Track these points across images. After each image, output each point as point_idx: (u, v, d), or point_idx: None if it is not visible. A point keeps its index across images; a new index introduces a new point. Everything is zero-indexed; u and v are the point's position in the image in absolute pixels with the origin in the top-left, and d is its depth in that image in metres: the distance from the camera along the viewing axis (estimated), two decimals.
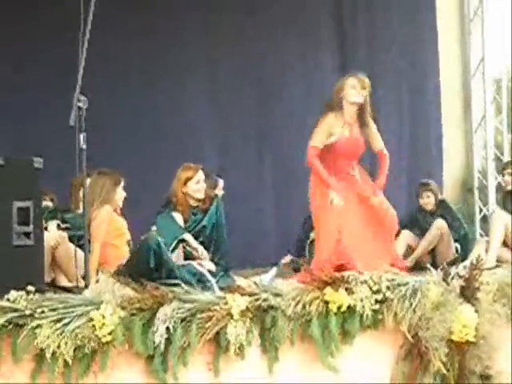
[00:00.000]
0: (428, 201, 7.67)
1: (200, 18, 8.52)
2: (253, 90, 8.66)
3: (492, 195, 9.60)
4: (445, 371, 4.27)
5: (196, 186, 6.03)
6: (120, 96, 8.05)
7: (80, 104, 4.75)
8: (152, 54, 8.25)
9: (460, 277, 4.40)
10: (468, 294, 4.36)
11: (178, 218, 6.00)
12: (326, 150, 5.80)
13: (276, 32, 8.68)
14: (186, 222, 6.06)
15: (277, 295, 4.27)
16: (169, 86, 8.32)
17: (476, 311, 4.31)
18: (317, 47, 8.93)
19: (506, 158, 9.26)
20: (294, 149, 8.17)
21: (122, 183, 5.95)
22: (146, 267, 5.07)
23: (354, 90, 5.79)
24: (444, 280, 4.38)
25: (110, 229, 5.74)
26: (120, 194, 5.94)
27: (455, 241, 7.54)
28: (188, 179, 6.01)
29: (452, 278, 4.39)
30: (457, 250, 7.51)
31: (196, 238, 5.99)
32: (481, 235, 9.56)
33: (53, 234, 6.14)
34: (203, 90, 8.56)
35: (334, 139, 5.78)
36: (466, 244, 7.60)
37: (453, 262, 6.81)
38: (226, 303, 4.15)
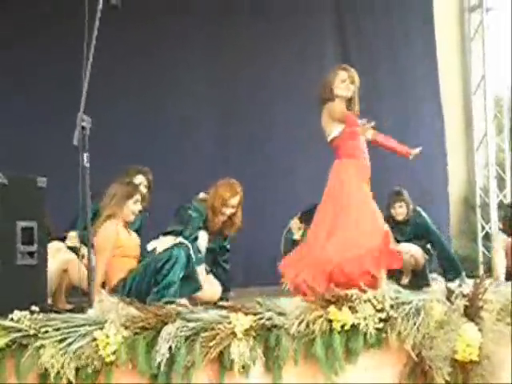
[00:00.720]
0: (400, 211, 7.34)
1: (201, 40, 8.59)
2: (256, 114, 8.67)
3: (494, 213, 9.60)
4: None
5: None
6: (121, 115, 8.09)
7: (84, 124, 4.76)
8: (153, 73, 8.30)
9: (464, 296, 4.40)
10: (471, 312, 4.36)
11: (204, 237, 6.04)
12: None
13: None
14: (210, 241, 6.11)
15: (280, 314, 4.27)
16: (171, 105, 8.38)
17: (480, 330, 4.31)
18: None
19: (507, 176, 9.28)
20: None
21: (137, 197, 5.63)
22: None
23: (343, 83, 5.83)
24: (448, 299, 4.38)
25: (114, 247, 5.40)
26: (131, 208, 5.58)
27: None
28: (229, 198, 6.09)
29: (456, 297, 4.38)
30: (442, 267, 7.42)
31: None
32: (483, 253, 9.59)
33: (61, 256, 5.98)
34: (207, 110, 8.59)
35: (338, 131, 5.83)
36: (446, 258, 7.42)
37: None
38: (229, 322, 4.15)
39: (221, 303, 4.68)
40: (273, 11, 8.82)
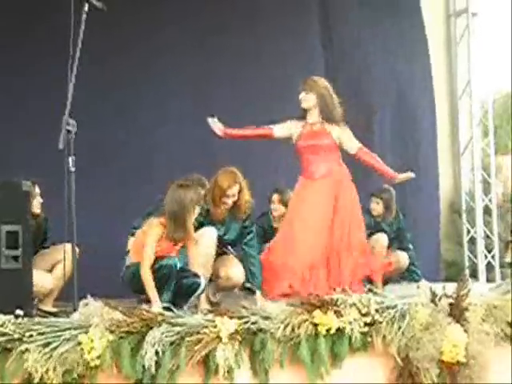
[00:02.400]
0: (374, 207, 7.59)
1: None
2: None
3: (479, 217, 9.64)
4: None
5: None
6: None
7: (69, 127, 4.76)
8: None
9: (447, 297, 4.42)
10: (456, 313, 4.38)
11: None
12: (297, 151, 6.02)
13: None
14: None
15: (266, 318, 4.27)
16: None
17: (465, 331, 4.32)
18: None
19: (493, 181, 9.32)
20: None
21: None
22: None
23: (302, 95, 5.93)
24: (432, 301, 4.39)
25: None
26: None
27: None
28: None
29: (440, 299, 4.40)
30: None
31: None
32: (469, 257, 9.62)
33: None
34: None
35: (295, 137, 5.96)
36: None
37: None
38: (214, 326, 4.15)
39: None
40: (260, 11, 8.83)
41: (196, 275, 5.47)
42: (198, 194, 5.50)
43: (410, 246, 7.73)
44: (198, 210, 5.51)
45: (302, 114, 6.00)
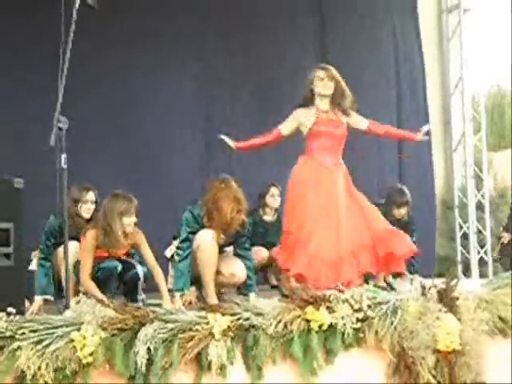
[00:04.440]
0: (402, 212, 7.51)
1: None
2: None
3: (472, 213, 9.66)
4: (435, 382, 4.28)
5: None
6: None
7: (60, 125, 4.75)
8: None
9: (436, 287, 4.44)
10: (447, 302, 4.39)
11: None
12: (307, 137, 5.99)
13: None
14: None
15: (258, 314, 4.27)
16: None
17: (458, 319, 4.34)
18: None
19: (485, 176, 9.34)
20: None
21: None
22: None
23: (322, 81, 5.91)
24: (423, 294, 4.42)
25: None
26: None
27: None
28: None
29: (429, 289, 4.42)
30: None
31: None
32: (461, 253, 9.65)
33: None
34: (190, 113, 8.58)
35: (310, 123, 5.92)
36: None
37: None
38: (207, 323, 4.15)
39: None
40: (254, 13, 8.83)
41: (133, 266, 5.89)
42: (125, 204, 5.75)
43: (414, 239, 7.71)
44: (128, 220, 5.74)
45: (307, 102, 6.01)
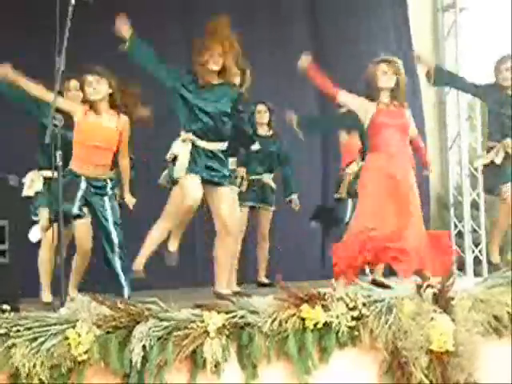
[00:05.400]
0: None
1: None
2: None
3: (467, 211, 9.67)
4: (427, 382, 4.29)
5: None
6: None
7: (56, 122, 4.77)
8: None
9: (432, 287, 4.44)
10: (442, 303, 4.39)
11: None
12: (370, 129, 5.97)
13: None
14: None
15: (253, 312, 4.27)
16: None
17: (452, 320, 4.34)
18: None
19: (479, 175, 9.35)
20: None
21: None
22: None
23: (385, 75, 5.93)
24: (418, 293, 4.42)
25: None
26: None
27: None
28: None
29: (424, 290, 4.42)
30: None
31: None
32: (456, 251, 9.65)
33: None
34: None
35: (372, 112, 5.92)
36: None
37: None
38: (202, 321, 4.15)
39: None
40: (249, 13, 8.83)
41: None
42: None
43: None
44: None
45: (369, 93, 5.99)
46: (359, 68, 6.24)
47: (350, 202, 7.85)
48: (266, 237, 7.78)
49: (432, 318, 4.33)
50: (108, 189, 5.93)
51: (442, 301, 4.41)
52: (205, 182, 5.67)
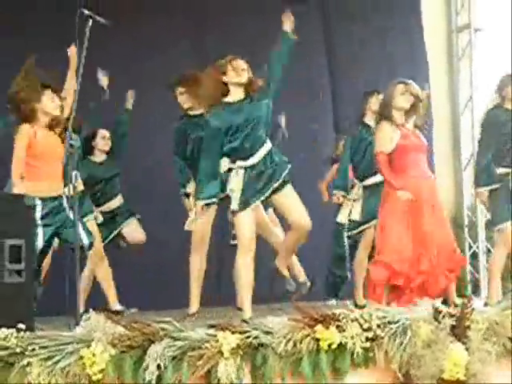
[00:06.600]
0: None
1: None
2: None
3: (481, 232, 9.64)
4: None
5: None
6: None
7: (72, 142, 4.81)
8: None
9: (451, 315, 4.41)
10: (459, 332, 4.37)
11: None
12: (394, 153, 5.97)
13: None
14: None
15: (267, 333, 4.26)
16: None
17: (466, 349, 4.32)
18: None
19: None
20: None
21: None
22: None
23: (403, 95, 5.97)
24: (435, 318, 4.39)
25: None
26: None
27: None
28: None
29: (443, 317, 4.39)
30: None
31: None
32: (471, 272, 9.62)
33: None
34: None
35: (395, 141, 5.93)
36: None
37: None
38: (216, 341, 4.15)
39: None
40: (257, 12, 8.87)
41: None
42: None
43: None
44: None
45: (384, 113, 6.04)
46: None
47: (345, 234, 7.84)
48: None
49: (447, 347, 4.31)
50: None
51: (459, 329, 4.38)
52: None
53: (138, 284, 7.51)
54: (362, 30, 9.42)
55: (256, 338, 4.22)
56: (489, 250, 9.62)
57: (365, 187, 7.11)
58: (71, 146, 4.85)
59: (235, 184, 5.63)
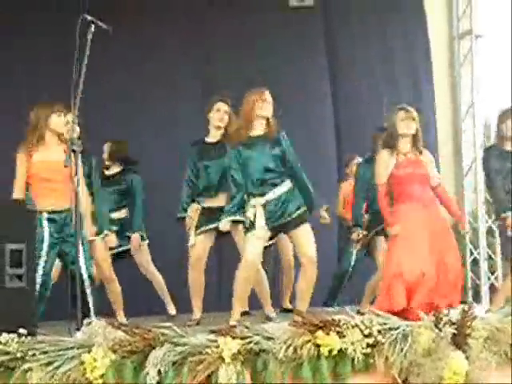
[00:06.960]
0: None
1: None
2: None
3: (483, 238, 9.64)
4: None
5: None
6: None
7: (74, 147, 4.81)
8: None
9: (452, 323, 4.41)
10: (459, 340, 4.37)
11: None
12: (393, 181, 5.94)
13: None
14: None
15: (268, 338, 4.27)
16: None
17: (466, 358, 4.32)
18: None
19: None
20: None
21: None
22: None
23: (403, 122, 5.93)
24: (436, 326, 4.39)
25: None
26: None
27: None
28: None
29: (444, 325, 4.39)
30: None
31: None
32: (472, 279, 9.61)
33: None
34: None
35: (391, 168, 5.91)
36: None
37: None
38: (217, 346, 4.15)
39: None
40: (255, 12, 8.89)
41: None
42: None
43: None
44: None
45: (389, 141, 6.00)
46: None
47: (354, 252, 7.84)
48: (292, 263, 7.73)
49: (447, 356, 4.31)
50: None
51: (460, 338, 4.38)
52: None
53: (139, 291, 7.49)
54: (364, 32, 9.43)
55: (257, 343, 4.23)
56: (490, 257, 9.63)
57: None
58: (73, 151, 4.83)
59: (252, 214, 5.85)
